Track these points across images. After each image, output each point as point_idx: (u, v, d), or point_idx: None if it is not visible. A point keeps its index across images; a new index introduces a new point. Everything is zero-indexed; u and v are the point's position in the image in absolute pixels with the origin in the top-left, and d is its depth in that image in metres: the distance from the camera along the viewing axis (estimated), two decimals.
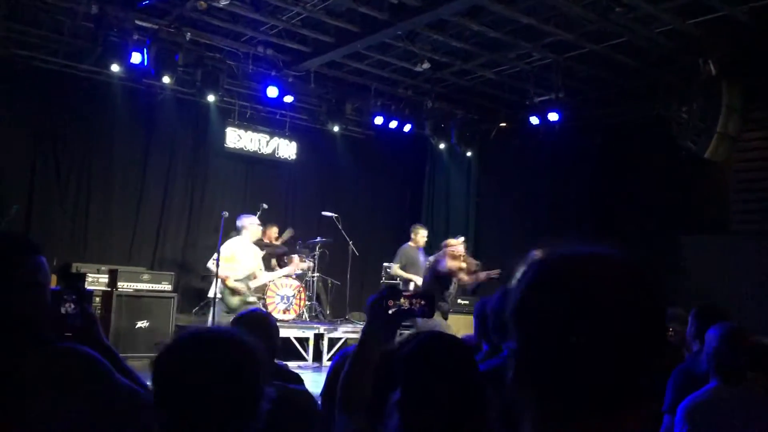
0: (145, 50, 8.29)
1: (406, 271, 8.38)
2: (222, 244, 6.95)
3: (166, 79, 8.77)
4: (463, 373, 1.90)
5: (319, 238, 10.34)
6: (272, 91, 9.60)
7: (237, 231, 7.28)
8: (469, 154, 11.70)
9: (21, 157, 9.15)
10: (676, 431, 2.86)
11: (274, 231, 10.18)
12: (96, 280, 8.68)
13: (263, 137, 11.19)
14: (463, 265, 7.28)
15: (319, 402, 2.74)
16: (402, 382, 1.87)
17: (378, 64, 9.88)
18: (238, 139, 10.90)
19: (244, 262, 7.04)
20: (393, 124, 11.03)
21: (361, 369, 2.14)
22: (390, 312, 2.24)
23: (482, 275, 7.52)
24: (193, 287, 10.39)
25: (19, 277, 1.80)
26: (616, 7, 7.29)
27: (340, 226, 10.25)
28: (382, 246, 12.00)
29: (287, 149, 11.44)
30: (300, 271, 9.39)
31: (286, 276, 8.81)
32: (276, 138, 11.32)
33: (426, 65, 9.30)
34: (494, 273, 7.60)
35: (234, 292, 6.93)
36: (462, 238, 7.53)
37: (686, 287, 7.67)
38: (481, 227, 11.72)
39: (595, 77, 9.44)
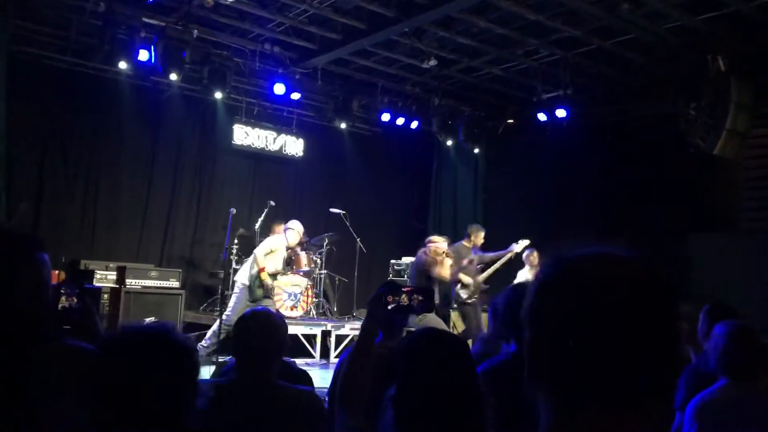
0: (152, 47, 8.30)
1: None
2: (230, 240, 7.06)
3: (173, 77, 8.78)
4: (457, 369, 1.90)
5: (326, 235, 10.35)
6: (279, 88, 9.60)
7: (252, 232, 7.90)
8: (476, 151, 11.67)
9: (30, 154, 9.18)
10: (684, 430, 2.85)
11: (281, 228, 10.18)
12: (104, 277, 8.72)
13: (270, 134, 11.19)
14: (446, 263, 7.43)
15: (326, 401, 2.74)
16: (397, 378, 1.88)
17: (385, 61, 9.87)
18: (245, 136, 10.91)
19: (278, 260, 7.80)
20: (400, 121, 11.01)
21: (360, 364, 2.14)
22: (389, 308, 2.24)
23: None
24: (201, 284, 10.42)
25: (24, 274, 1.80)
26: (624, 4, 7.25)
27: (347, 223, 10.26)
28: (389, 243, 12.02)
29: (294, 146, 11.45)
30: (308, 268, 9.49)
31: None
32: (283, 135, 11.32)
33: (433, 62, 9.28)
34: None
35: (263, 284, 7.34)
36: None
37: (695, 285, 7.63)
38: (489, 224, 11.61)
39: (603, 74, 9.40)
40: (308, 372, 3.46)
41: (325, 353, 8.95)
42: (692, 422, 2.80)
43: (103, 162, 9.88)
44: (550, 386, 0.92)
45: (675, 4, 7.31)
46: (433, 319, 6.63)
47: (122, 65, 8.65)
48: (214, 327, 7.55)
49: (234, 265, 9.06)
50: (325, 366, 8.51)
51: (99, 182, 9.85)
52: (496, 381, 2.70)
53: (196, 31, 8.46)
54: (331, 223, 10.98)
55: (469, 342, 6.93)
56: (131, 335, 1.50)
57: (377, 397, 1.97)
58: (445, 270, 7.42)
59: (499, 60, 9.51)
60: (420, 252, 7.64)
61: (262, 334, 2.52)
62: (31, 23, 8.64)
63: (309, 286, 9.45)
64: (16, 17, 8.18)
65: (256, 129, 11.04)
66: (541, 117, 10.07)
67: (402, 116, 10.99)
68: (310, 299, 9.46)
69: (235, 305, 7.72)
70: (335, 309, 10.41)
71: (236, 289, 7.96)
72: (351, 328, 9.20)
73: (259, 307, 3.02)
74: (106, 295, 8.33)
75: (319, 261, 10.16)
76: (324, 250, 10.28)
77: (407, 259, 10.59)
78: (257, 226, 9.55)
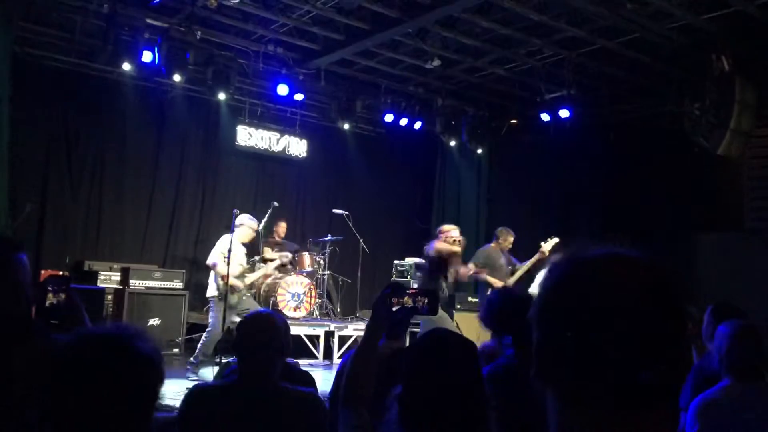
0: (156, 49, 8.32)
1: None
2: (232, 241, 7.00)
3: (176, 78, 8.80)
4: (463, 369, 1.90)
5: (329, 236, 10.35)
6: (283, 89, 9.61)
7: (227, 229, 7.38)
8: (479, 151, 11.66)
9: (34, 155, 9.21)
10: (687, 429, 2.84)
11: (282, 227, 10.20)
12: (108, 278, 8.75)
13: (274, 135, 11.21)
14: (456, 249, 7.22)
15: (327, 403, 2.74)
16: (403, 376, 1.89)
17: (388, 62, 9.87)
18: (248, 136, 10.93)
19: (237, 259, 7.10)
20: (403, 122, 11.01)
21: (364, 365, 2.15)
22: (394, 309, 2.25)
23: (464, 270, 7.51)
24: (205, 285, 10.38)
25: (1, 276, 1.82)
26: (628, 3, 7.24)
27: (350, 224, 10.26)
28: (392, 243, 12.02)
29: (298, 147, 11.46)
30: (284, 261, 9.07)
31: (275, 270, 8.72)
32: (286, 136, 11.34)
33: (436, 62, 9.27)
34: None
35: (233, 289, 7.01)
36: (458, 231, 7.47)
37: (699, 285, 7.61)
38: (492, 224, 11.64)
39: (607, 74, 9.38)
40: (311, 373, 3.46)
41: (328, 354, 8.95)
42: (695, 422, 2.79)
43: (107, 163, 9.91)
44: (559, 386, 0.93)
45: (679, 4, 7.29)
46: (446, 320, 6.63)
47: (126, 66, 8.66)
48: (199, 346, 7.22)
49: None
50: (328, 367, 8.52)
51: (103, 183, 9.87)
52: (497, 384, 2.71)
53: (199, 32, 8.48)
54: (335, 224, 10.98)
55: None
56: (87, 340, 1.41)
57: (381, 397, 1.97)
58: (447, 249, 7.21)
59: (502, 60, 9.50)
60: (432, 241, 7.46)
61: (263, 336, 2.52)
62: (35, 25, 8.67)
63: (312, 287, 9.45)
64: (20, 19, 8.21)
65: (260, 130, 11.06)
66: (545, 117, 10.06)
67: (405, 117, 10.99)
68: (313, 300, 9.47)
69: (213, 321, 7.19)
70: (338, 310, 10.41)
71: (210, 304, 7.36)
72: (354, 329, 9.20)
73: (262, 309, 3.03)
74: (109, 296, 8.36)
75: (322, 262, 10.16)
76: (327, 250, 10.28)
77: (410, 260, 10.59)
78: (261, 226, 9.55)
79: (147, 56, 8.33)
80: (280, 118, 11.30)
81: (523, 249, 8.51)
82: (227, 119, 10.77)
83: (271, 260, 8.76)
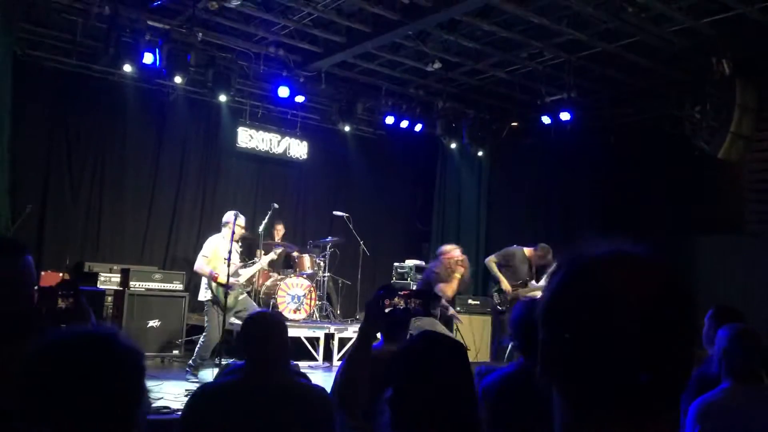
0: (157, 51, 8.32)
1: (500, 271, 8.25)
2: (231, 243, 6.99)
3: (177, 80, 8.80)
4: (453, 371, 1.90)
5: (329, 238, 10.35)
6: (283, 91, 9.62)
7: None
8: (480, 153, 11.66)
9: (35, 156, 9.22)
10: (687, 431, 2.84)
11: (279, 231, 10.22)
12: (108, 280, 8.74)
13: (274, 137, 11.22)
14: (455, 283, 6.97)
15: None
16: (393, 380, 1.88)
17: (389, 64, 9.88)
18: (249, 138, 10.94)
19: (226, 259, 7.03)
20: (404, 124, 11.02)
21: (357, 367, 2.15)
22: (386, 311, 2.25)
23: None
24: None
25: (7, 277, 1.87)
26: (629, 7, 7.25)
27: (351, 226, 10.26)
28: (392, 246, 12.03)
29: (298, 149, 11.47)
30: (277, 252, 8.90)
31: (269, 266, 8.74)
32: (287, 138, 11.35)
33: (437, 65, 9.29)
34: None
35: (227, 289, 6.97)
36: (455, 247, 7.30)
37: (700, 288, 7.61)
38: (492, 227, 11.69)
39: (608, 77, 9.39)
40: (309, 375, 3.46)
41: (328, 356, 8.94)
42: (694, 424, 2.79)
43: (107, 164, 9.91)
44: (562, 386, 0.93)
45: (679, 7, 7.29)
46: (427, 322, 6.54)
47: (127, 68, 8.67)
48: (197, 349, 7.18)
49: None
50: (328, 369, 8.50)
51: (104, 184, 9.88)
52: (504, 391, 2.71)
53: (200, 34, 8.48)
54: (335, 226, 10.99)
55: None
56: (67, 338, 1.40)
57: (376, 398, 1.97)
58: (450, 288, 7.00)
59: (503, 63, 9.51)
60: (432, 265, 7.33)
61: (272, 330, 2.55)
62: (36, 27, 8.67)
63: (312, 289, 9.45)
64: (21, 21, 8.22)
65: (261, 132, 11.07)
66: (546, 120, 10.06)
67: (406, 119, 11.00)
68: (313, 302, 9.46)
69: (208, 326, 7.12)
70: (338, 312, 10.41)
71: (205, 308, 7.27)
72: (354, 331, 9.18)
73: (263, 309, 3.05)
74: (109, 298, 8.35)
75: (322, 264, 10.16)
76: (327, 252, 10.28)
77: (410, 262, 10.60)
78: (261, 228, 9.56)
79: (148, 58, 8.33)
80: (280, 120, 11.31)
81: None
82: (228, 121, 10.78)
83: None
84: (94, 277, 8.74)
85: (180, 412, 2.71)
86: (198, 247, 10.51)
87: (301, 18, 8.44)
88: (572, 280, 0.94)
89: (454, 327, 8.73)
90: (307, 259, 9.92)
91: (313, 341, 8.94)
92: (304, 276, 9.53)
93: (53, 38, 8.89)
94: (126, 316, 8.06)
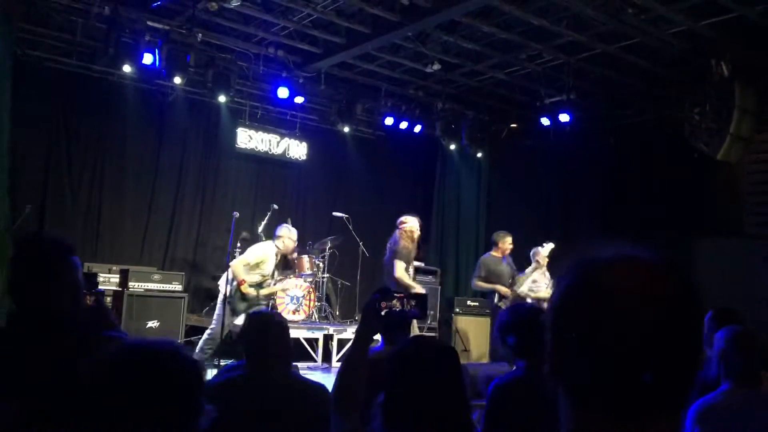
0: (156, 51, 8.32)
1: (490, 282, 8.22)
2: (233, 244, 6.98)
3: (177, 80, 8.80)
4: (444, 375, 1.90)
5: (329, 239, 10.35)
6: (283, 92, 9.62)
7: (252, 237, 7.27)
8: (479, 155, 11.67)
9: (34, 156, 9.22)
10: None
11: (304, 260, 10.18)
12: (107, 280, 8.74)
13: (274, 137, 11.22)
14: (408, 280, 6.94)
15: None
16: (385, 384, 1.88)
17: (388, 65, 9.88)
18: (248, 139, 10.94)
19: (266, 270, 7.13)
20: (403, 125, 11.02)
21: (354, 370, 2.15)
22: (382, 314, 2.25)
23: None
24: (204, 287, 10.42)
25: (62, 278, 1.91)
26: (629, 8, 7.26)
27: (350, 227, 10.25)
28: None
29: (298, 150, 11.47)
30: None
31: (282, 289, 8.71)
32: (286, 138, 11.34)
33: (437, 66, 9.29)
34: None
35: (244, 296, 6.97)
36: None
37: (699, 290, 7.59)
38: (492, 228, 11.62)
39: (607, 78, 9.39)
40: (308, 377, 3.46)
41: (327, 357, 8.94)
42: (693, 426, 2.79)
43: (107, 165, 9.91)
44: (567, 386, 0.94)
45: (679, 9, 7.30)
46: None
47: (127, 69, 8.67)
48: (201, 343, 7.20)
49: None
50: (327, 370, 8.50)
51: (103, 185, 9.87)
52: (507, 396, 2.71)
53: (200, 34, 8.48)
54: (334, 227, 10.98)
55: None
56: (138, 351, 1.46)
57: (371, 401, 1.97)
58: (399, 270, 6.93)
59: (502, 64, 9.51)
60: (392, 240, 7.21)
61: (274, 329, 2.56)
62: (36, 26, 8.67)
63: (311, 290, 9.45)
64: (21, 20, 8.21)
65: (260, 132, 11.07)
66: (545, 121, 10.06)
67: (405, 120, 11.00)
68: (312, 303, 9.46)
69: (216, 322, 7.14)
70: (337, 313, 10.40)
71: (219, 298, 7.30)
72: (353, 333, 9.14)
73: (263, 309, 3.07)
74: (108, 298, 8.34)
75: (321, 265, 10.15)
76: (326, 253, 10.28)
77: None
78: (260, 229, 9.56)
79: (148, 58, 8.33)
80: (280, 120, 11.30)
81: (522, 253, 8.51)
82: (227, 121, 10.78)
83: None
84: (94, 277, 8.72)
85: None
86: (198, 247, 10.62)
87: (301, 19, 8.44)
88: (580, 282, 0.95)
89: (453, 327, 8.73)
90: (306, 260, 9.91)
91: (312, 342, 8.94)
92: (303, 277, 9.52)
93: (53, 38, 8.88)
94: (125, 317, 8.06)
